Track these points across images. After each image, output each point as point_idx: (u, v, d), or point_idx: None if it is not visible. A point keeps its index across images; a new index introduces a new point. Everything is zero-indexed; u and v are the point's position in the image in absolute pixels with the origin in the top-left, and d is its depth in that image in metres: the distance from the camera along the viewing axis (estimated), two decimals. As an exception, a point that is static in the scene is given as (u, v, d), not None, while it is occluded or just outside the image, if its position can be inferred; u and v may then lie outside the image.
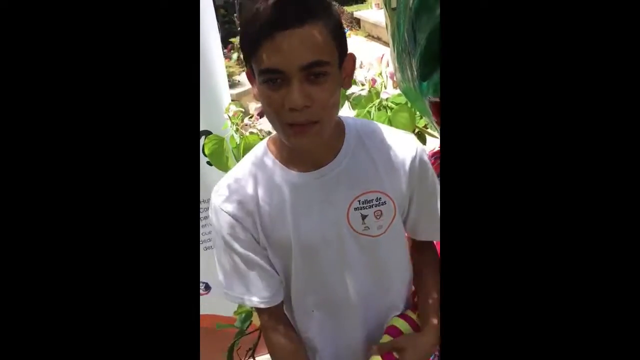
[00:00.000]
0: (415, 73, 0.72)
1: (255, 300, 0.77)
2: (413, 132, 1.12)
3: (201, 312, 1.72)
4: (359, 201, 0.73)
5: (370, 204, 0.74)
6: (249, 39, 0.62)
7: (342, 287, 0.78)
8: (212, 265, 1.14)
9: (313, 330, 0.83)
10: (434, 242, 0.88)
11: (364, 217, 0.74)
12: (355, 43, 7.02)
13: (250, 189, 0.74)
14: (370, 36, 7.69)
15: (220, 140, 1.28)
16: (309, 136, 0.65)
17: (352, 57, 0.68)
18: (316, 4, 0.61)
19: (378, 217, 0.74)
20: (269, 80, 0.62)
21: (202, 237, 1.58)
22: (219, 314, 1.68)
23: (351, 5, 9.30)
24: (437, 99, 0.72)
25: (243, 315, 1.42)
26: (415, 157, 0.75)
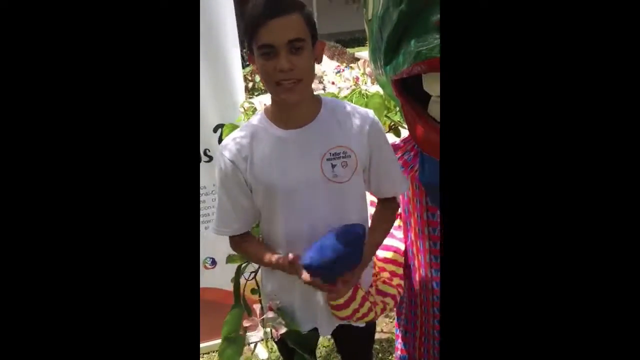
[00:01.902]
0: (382, 61, 1.03)
1: (227, 230, 1.06)
2: (387, 121, 1.42)
3: (207, 286, 1.87)
4: (330, 153, 1.00)
5: (338, 156, 1.00)
6: (250, 25, 0.90)
7: (313, 223, 1.02)
8: (217, 243, 1.33)
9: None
10: (395, 199, 1.13)
11: (333, 166, 1.00)
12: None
13: (247, 140, 1.01)
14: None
15: (236, 128, 1.57)
16: (296, 92, 0.93)
17: (322, 43, 0.98)
18: (293, 1, 0.91)
19: (344, 166, 1.01)
20: (265, 54, 0.91)
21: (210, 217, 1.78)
22: (223, 288, 1.86)
23: (353, 47, 10.03)
24: (396, 77, 1.03)
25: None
26: (371, 123, 1.03)
